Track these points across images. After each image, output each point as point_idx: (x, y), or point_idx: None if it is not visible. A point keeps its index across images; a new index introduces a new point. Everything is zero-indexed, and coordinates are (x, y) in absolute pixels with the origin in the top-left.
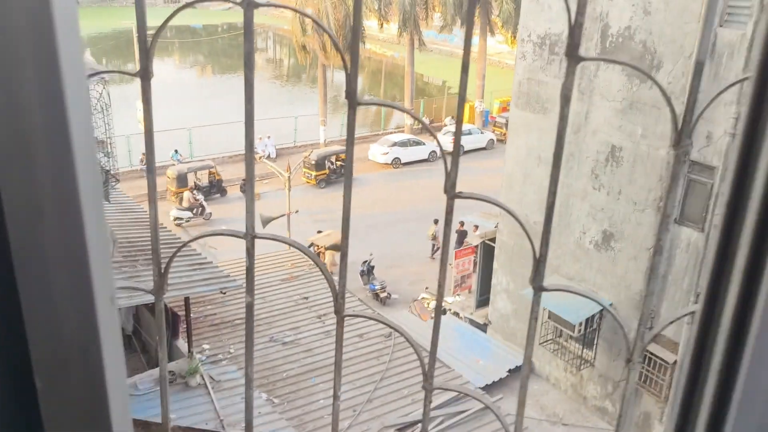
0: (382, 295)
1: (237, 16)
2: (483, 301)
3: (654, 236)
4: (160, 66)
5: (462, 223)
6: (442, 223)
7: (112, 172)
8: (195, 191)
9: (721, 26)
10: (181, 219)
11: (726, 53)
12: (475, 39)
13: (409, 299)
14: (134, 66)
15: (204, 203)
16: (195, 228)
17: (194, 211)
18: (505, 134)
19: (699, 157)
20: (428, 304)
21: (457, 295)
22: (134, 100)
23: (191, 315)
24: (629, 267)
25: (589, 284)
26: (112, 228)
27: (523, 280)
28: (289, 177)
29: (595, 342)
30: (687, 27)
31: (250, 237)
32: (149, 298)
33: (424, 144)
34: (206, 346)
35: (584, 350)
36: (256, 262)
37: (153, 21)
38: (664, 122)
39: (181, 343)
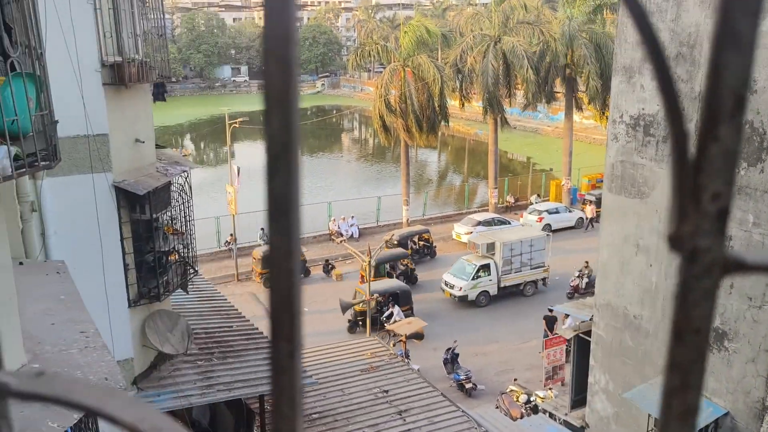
0: (467, 386)
1: (324, 99)
2: (579, 400)
3: None
4: (250, 148)
5: (551, 309)
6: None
7: (190, 262)
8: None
9: None
10: None
11: None
12: (560, 115)
13: (496, 391)
14: (228, 148)
15: None
16: None
17: None
18: (595, 211)
19: None
20: (517, 397)
21: (549, 388)
22: (226, 182)
23: (266, 408)
24: (747, 370)
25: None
26: (188, 320)
27: (624, 379)
28: (369, 262)
29: None
30: None
31: None
32: (224, 395)
33: (509, 223)
34: None
35: None
36: (335, 349)
37: (246, 107)
38: None
39: None
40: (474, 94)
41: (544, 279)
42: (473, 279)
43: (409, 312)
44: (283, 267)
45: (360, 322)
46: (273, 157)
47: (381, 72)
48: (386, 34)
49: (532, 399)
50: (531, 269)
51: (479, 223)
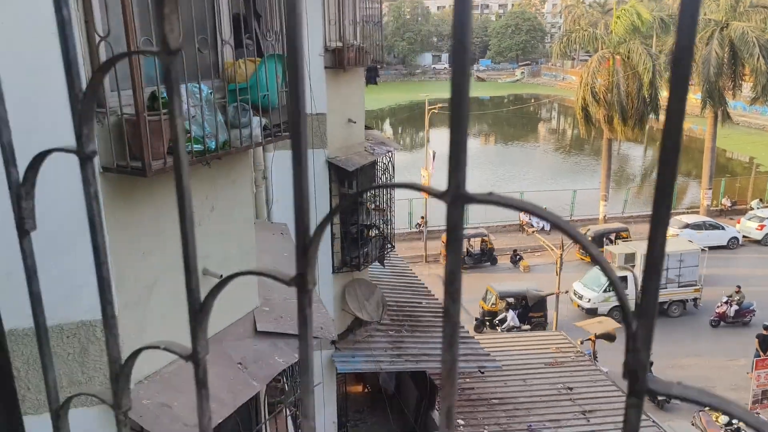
0: (660, 397)
1: (523, 88)
2: None
3: None
4: (446, 135)
5: (766, 327)
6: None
7: (388, 238)
8: None
9: None
10: None
11: None
12: None
13: (692, 407)
14: (424, 134)
15: None
16: None
17: None
18: None
19: None
20: (717, 417)
21: (756, 413)
22: (421, 166)
23: None
24: None
25: None
26: (383, 291)
27: None
28: (561, 255)
29: None
30: None
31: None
32: (411, 365)
33: (723, 228)
34: (461, 422)
35: None
36: (519, 339)
37: (444, 94)
38: None
39: (437, 415)
40: (691, 85)
41: (695, 299)
42: (605, 291)
43: (542, 319)
44: (656, 242)
45: (487, 322)
46: (667, 151)
47: (585, 61)
48: (595, 20)
49: (734, 422)
50: (679, 287)
51: (687, 226)
